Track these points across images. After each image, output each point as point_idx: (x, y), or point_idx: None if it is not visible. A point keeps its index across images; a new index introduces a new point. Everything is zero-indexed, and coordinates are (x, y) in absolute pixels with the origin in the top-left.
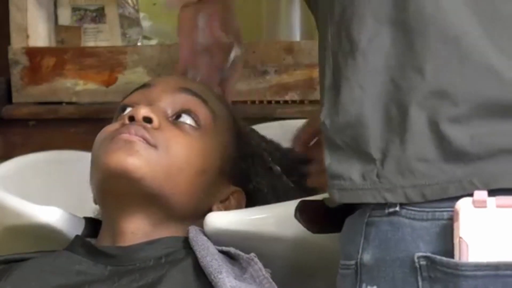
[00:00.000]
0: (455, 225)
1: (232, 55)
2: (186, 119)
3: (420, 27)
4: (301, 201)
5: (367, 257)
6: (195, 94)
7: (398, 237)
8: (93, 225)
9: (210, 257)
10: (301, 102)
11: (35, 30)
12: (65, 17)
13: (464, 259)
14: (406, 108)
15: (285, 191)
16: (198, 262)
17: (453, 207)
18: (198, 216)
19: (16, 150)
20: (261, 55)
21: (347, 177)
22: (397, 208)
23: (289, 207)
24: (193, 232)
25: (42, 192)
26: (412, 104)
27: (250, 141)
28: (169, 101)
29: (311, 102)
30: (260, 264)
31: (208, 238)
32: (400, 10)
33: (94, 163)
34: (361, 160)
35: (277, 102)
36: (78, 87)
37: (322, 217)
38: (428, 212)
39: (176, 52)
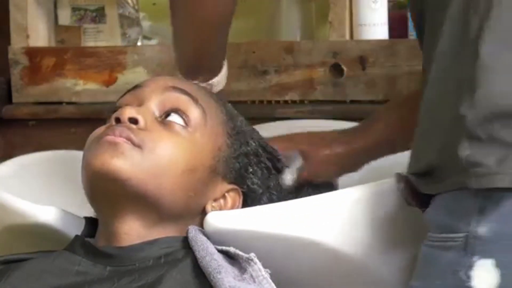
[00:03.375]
0: None
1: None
2: (175, 118)
3: None
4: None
5: (482, 230)
6: (184, 92)
7: None
8: (93, 225)
9: (209, 257)
10: (301, 102)
11: (35, 30)
12: (65, 17)
13: None
14: None
15: (279, 192)
16: (197, 262)
17: None
18: (192, 215)
19: (16, 150)
20: (261, 55)
21: (485, 164)
22: None
23: (290, 207)
24: (193, 232)
25: (42, 192)
26: None
27: (247, 140)
28: (159, 101)
29: (311, 102)
30: (259, 264)
31: (208, 237)
32: None
33: (82, 164)
34: (500, 147)
35: (277, 102)
36: (78, 87)
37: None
38: None
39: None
